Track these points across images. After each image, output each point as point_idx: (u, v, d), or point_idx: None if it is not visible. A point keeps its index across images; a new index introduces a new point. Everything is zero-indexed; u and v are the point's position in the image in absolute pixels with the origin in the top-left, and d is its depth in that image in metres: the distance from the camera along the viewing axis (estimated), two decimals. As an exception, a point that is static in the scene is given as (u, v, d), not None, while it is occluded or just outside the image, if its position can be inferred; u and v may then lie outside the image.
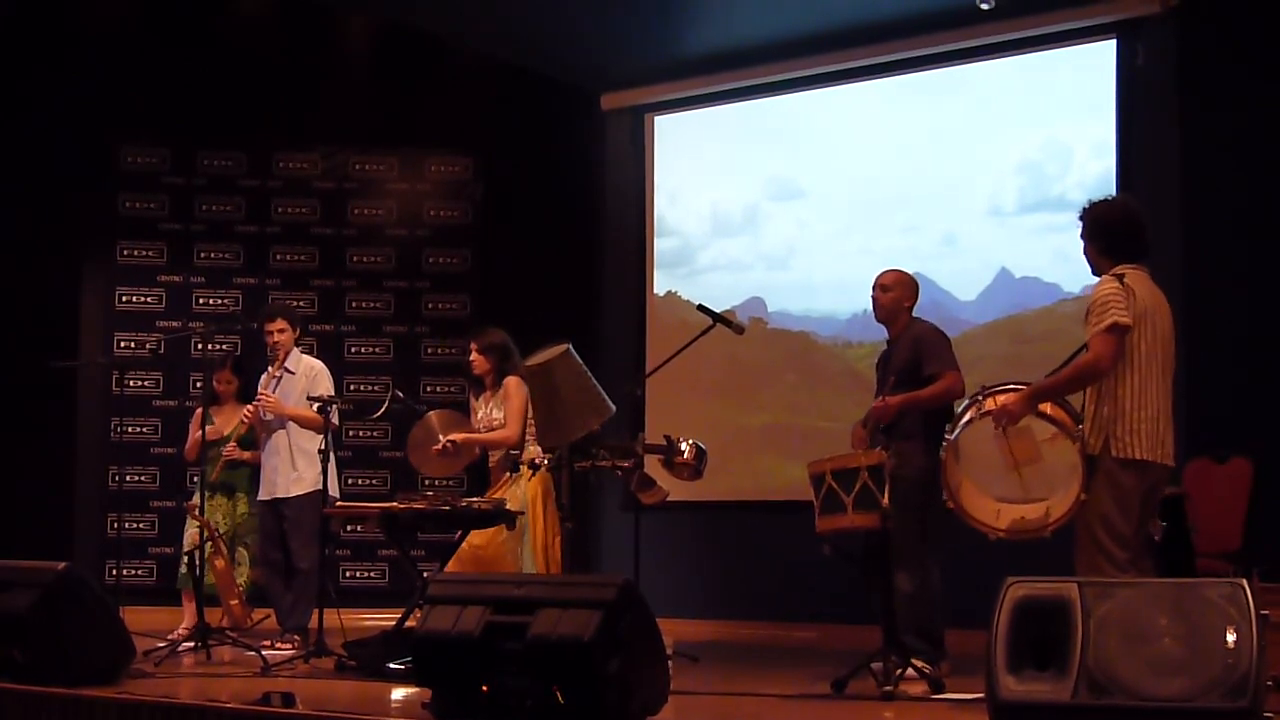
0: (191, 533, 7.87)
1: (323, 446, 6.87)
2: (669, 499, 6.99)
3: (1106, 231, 5.29)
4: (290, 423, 7.49)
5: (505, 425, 7.00)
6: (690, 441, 6.81)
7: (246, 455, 7.93)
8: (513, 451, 6.99)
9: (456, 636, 4.40)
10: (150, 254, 9.82)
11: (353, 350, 9.84)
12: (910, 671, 5.60)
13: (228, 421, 8.03)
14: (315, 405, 7.01)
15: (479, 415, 7.19)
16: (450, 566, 6.64)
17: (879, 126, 9.01)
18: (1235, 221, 7.55)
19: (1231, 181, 7.60)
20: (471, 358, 7.18)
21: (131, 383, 9.23)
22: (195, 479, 8.08)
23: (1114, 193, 7.82)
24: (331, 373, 7.79)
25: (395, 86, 9.81)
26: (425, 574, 6.38)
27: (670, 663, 4.97)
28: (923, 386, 6.21)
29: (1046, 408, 5.22)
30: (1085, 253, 5.38)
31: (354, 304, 9.96)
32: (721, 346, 7.66)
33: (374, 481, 9.68)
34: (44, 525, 9.02)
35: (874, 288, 6.50)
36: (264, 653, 6.46)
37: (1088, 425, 5.14)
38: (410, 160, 10.13)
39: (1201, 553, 6.03)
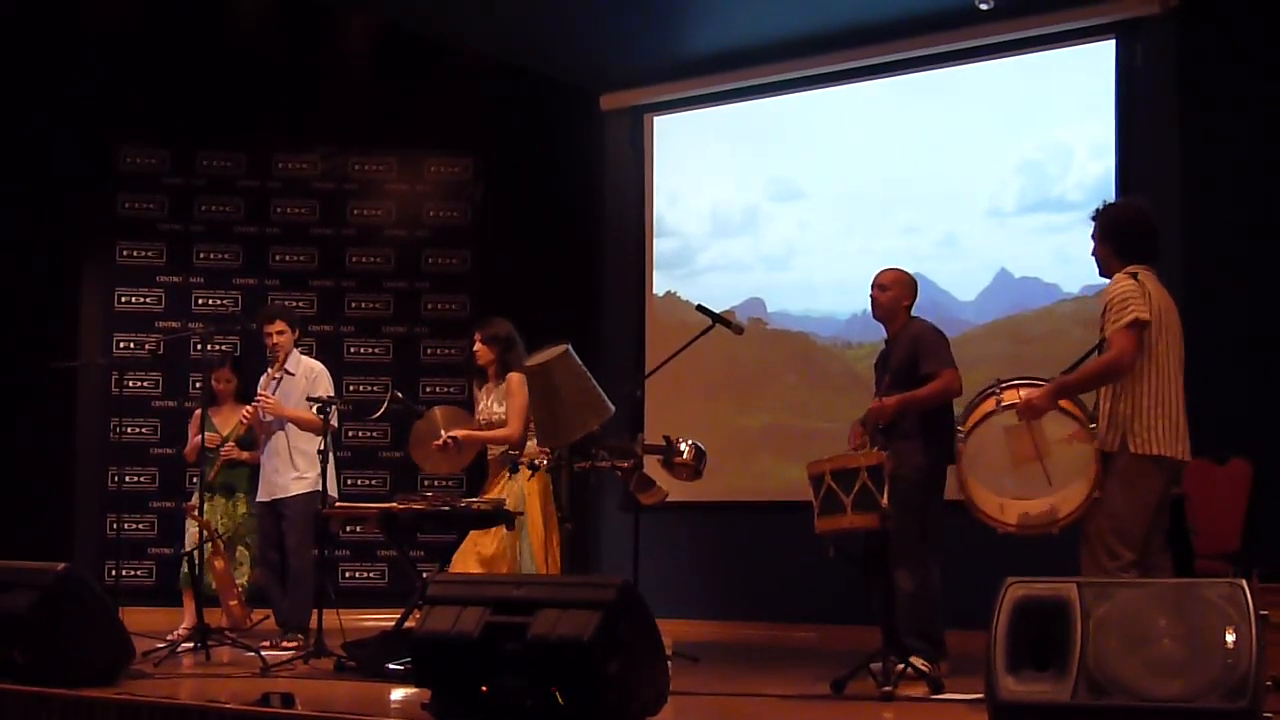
0: (192, 533, 7.87)
1: (322, 447, 6.87)
2: (668, 499, 6.99)
3: (1120, 233, 5.33)
4: (289, 424, 7.49)
5: (507, 422, 6.99)
6: (689, 442, 6.81)
7: (245, 455, 7.93)
8: (512, 451, 6.99)
9: (456, 637, 4.40)
10: (150, 254, 9.82)
11: (352, 351, 9.84)
12: (910, 672, 5.60)
13: (226, 422, 8.04)
14: (314, 407, 7.01)
15: (480, 406, 7.18)
16: (455, 566, 6.65)
17: (879, 126, 9.01)
18: (1235, 221, 7.55)
19: (1231, 181, 7.60)
20: (475, 348, 7.16)
21: (131, 383, 9.22)
22: (194, 479, 8.08)
23: (1113, 192, 7.86)
24: (331, 373, 7.80)
25: (395, 87, 9.80)
26: (424, 574, 6.38)
27: (670, 663, 4.97)
28: (920, 385, 6.21)
29: (1065, 404, 5.25)
30: (1096, 254, 5.40)
31: (353, 305, 9.96)
32: (721, 347, 7.66)
33: (373, 482, 9.67)
34: (43, 526, 9.02)
35: (872, 287, 6.50)
36: (263, 653, 6.46)
37: (1104, 423, 5.15)
38: (410, 161, 10.13)
39: (1201, 554, 6.03)
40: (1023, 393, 5.31)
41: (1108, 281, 5.30)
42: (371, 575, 9.73)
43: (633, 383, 8.40)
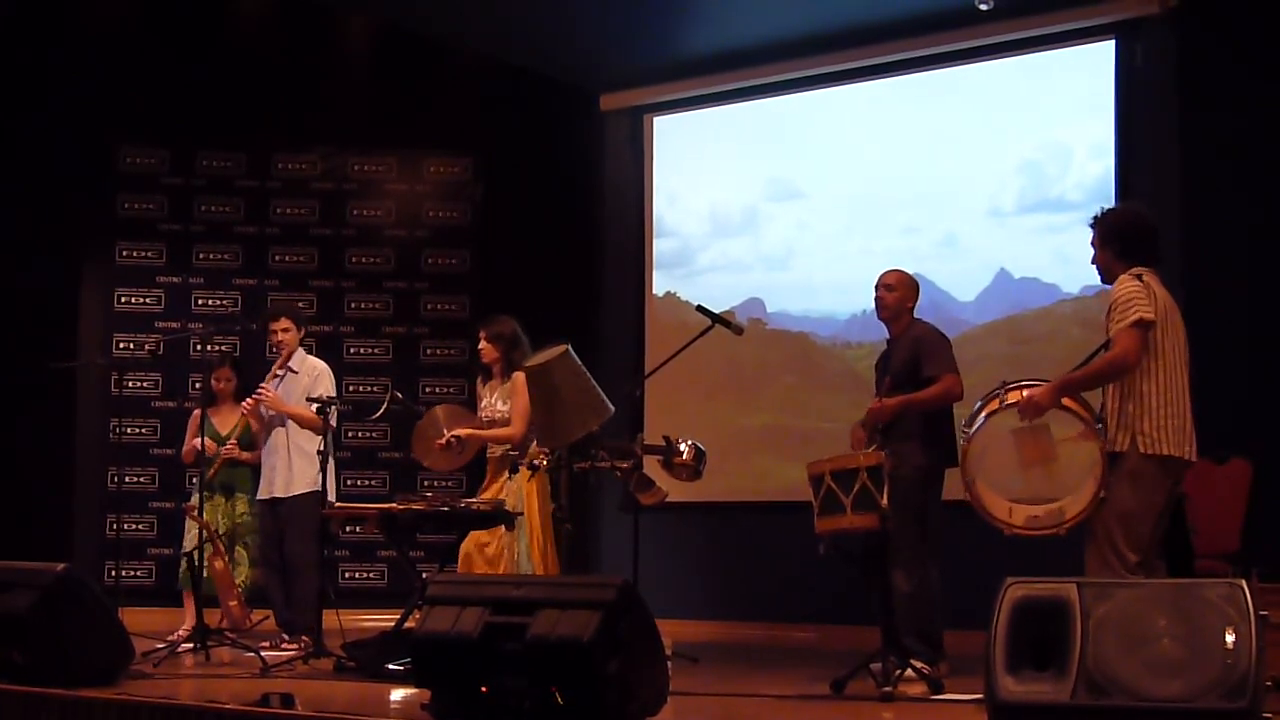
0: (192, 534, 7.86)
1: (321, 447, 6.86)
2: (668, 500, 6.98)
3: (1120, 237, 5.33)
4: (290, 422, 7.49)
5: (510, 421, 6.99)
6: (689, 442, 6.81)
7: (246, 456, 7.93)
8: (512, 451, 6.99)
9: (455, 637, 4.40)
10: (149, 255, 9.82)
11: (352, 351, 9.84)
12: (909, 672, 5.60)
13: (225, 422, 8.03)
14: (314, 406, 7.01)
15: (483, 404, 7.18)
16: (461, 566, 6.66)
17: (879, 127, 9.01)
18: (1235, 221, 7.55)
19: (1231, 181, 7.60)
20: (480, 346, 7.16)
21: (130, 383, 9.22)
22: (194, 480, 8.08)
23: (1113, 193, 7.86)
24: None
25: (395, 87, 9.80)
26: (424, 575, 6.37)
27: (669, 663, 4.96)
28: (921, 388, 6.21)
29: (1069, 404, 5.24)
30: (1096, 260, 5.40)
31: (353, 305, 9.96)
32: (721, 347, 7.66)
33: (373, 482, 9.67)
34: (43, 526, 9.02)
35: (878, 287, 6.49)
36: (263, 654, 6.45)
37: (1111, 423, 5.16)
38: (409, 161, 10.13)
39: (1200, 554, 6.03)
40: (1025, 392, 5.31)
41: (1116, 282, 5.29)
42: (371, 576, 9.73)
43: (632, 383, 8.40)
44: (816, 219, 9.27)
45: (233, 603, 7.63)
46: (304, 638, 7.03)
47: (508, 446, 6.99)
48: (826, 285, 9.10)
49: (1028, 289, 8.41)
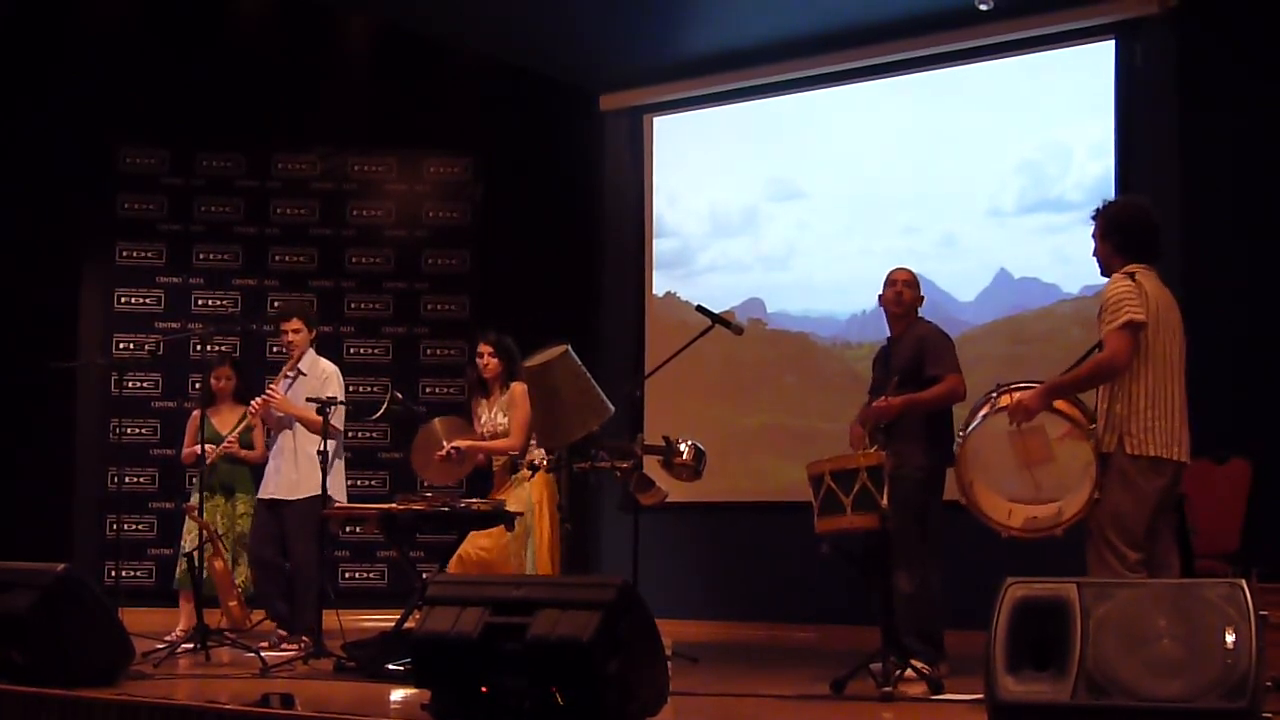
0: (191, 534, 7.86)
1: (322, 448, 6.86)
2: (668, 500, 6.98)
3: (1120, 230, 5.31)
4: (298, 424, 7.47)
5: (510, 433, 6.99)
6: (689, 442, 6.80)
7: (244, 453, 7.93)
8: (511, 455, 6.99)
9: (455, 637, 4.39)
10: (149, 255, 9.82)
11: (352, 351, 9.84)
12: (909, 672, 5.60)
13: (225, 422, 8.03)
14: (315, 407, 7.00)
15: (483, 420, 7.17)
16: (452, 568, 6.64)
17: (879, 127, 9.01)
18: (1235, 221, 7.56)
19: (1231, 181, 7.60)
20: (484, 360, 7.14)
21: (130, 384, 9.23)
22: (194, 480, 8.07)
23: (1113, 193, 7.85)
24: (331, 374, 7.78)
25: (395, 87, 9.81)
26: (424, 575, 6.37)
27: (669, 663, 4.97)
28: (924, 387, 6.21)
29: (1062, 405, 5.23)
30: (1097, 252, 5.39)
31: (353, 305, 9.96)
32: (720, 347, 7.66)
33: (373, 483, 9.67)
34: (43, 526, 9.02)
35: (895, 283, 6.45)
36: (263, 654, 6.45)
37: (1101, 424, 5.14)
38: (409, 161, 10.13)
39: (1200, 554, 6.03)
40: (1015, 395, 5.29)
41: (1108, 281, 5.29)
42: (371, 576, 9.73)
43: (632, 383, 8.40)
44: (816, 219, 9.27)
45: (233, 603, 7.62)
46: (304, 638, 7.03)
47: (509, 457, 7.00)
48: (826, 285, 9.10)
49: (1028, 289, 8.41)
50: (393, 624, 6.53)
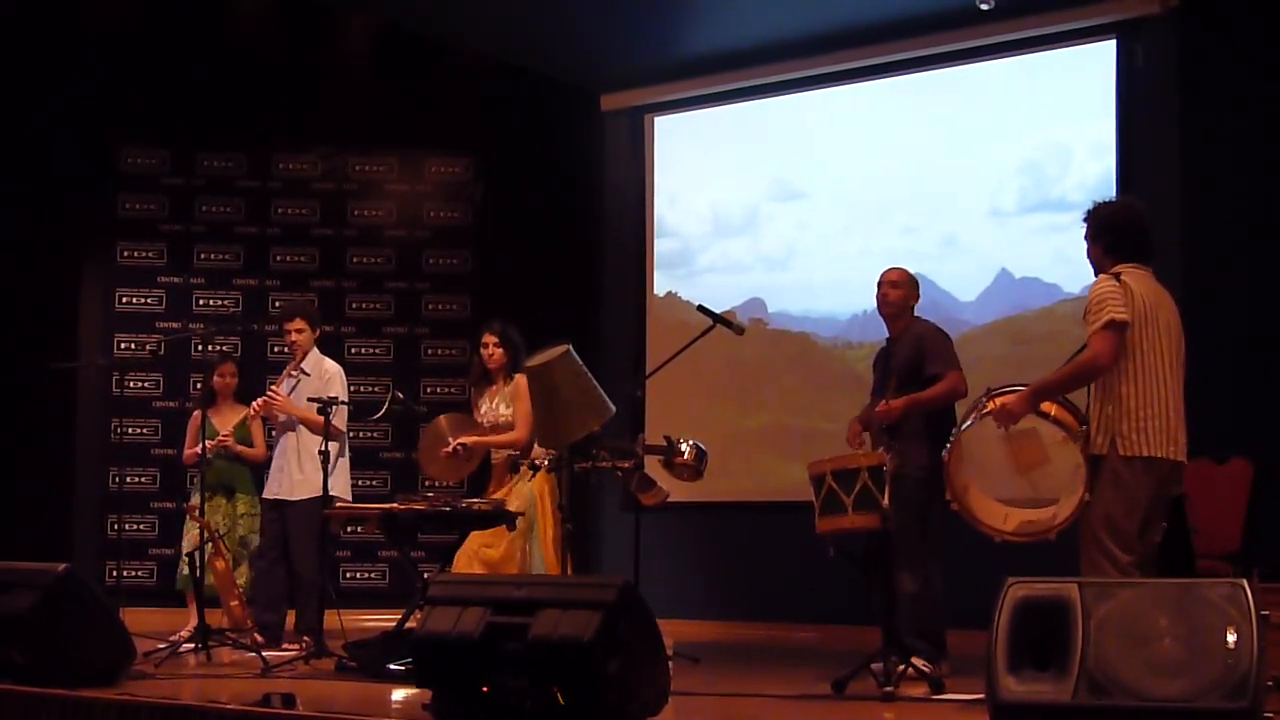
0: (192, 534, 7.86)
1: (323, 448, 6.86)
2: (669, 500, 6.99)
3: (1109, 230, 5.29)
4: (301, 425, 7.47)
5: (515, 426, 6.98)
6: (690, 442, 6.81)
7: (240, 449, 7.92)
8: (513, 453, 6.98)
9: (457, 637, 4.40)
10: (150, 255, 9.83)
11: (353, 351, 9.84)
12: (911, 672, 5.60)
13: (226, 422, 8.01)
14: (315, 407, 7.00)
15: (483, 410, 7.15)
16: (458, 567, 6.65)
17: (879, 127, 9.01)
18: (1235, 221, 7.56)
19: (1231, 181, 7.60)
20: (489, 351, 7.11)
21: (131, 384, 9.24)
22: (194, 479, 8.07)
23: (1114, 193, 7.84)
24: (332, 374, 7.78)
25: (395, 87, 9.81)
26: (425, 575, 6.37)
27: (670, 663, 4.97)
28: (924, 386, 6.21)
29: (1051, 409, 5.20)
30: (1089, 254, 5.38)
31: (354, 305, 9.96)
32: (721, 347, 7.66)
33: (374, 483, 9.67)
34: (44, 526, 9.02)
35: (883, 284, 6.48)
36: (264, 654, 6.45)
37: (1093, 425, 5.12)
38: (410, 161, 10.13)
39: (1201, 554, 6.02)
40: (999, 400, 5.28)
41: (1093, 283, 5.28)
42: (372, 576, 9.74)
43: (633, 383, 8.40)
44: (817, 219, 9.27)
45: (234, 603, 7.61)
46: (305, 638, 7.04)
47: (512, 451, 6.99)
48: (827, 285, 9.11)
49: (1028, 289, 8.41)
50: (394, 624, 6.53)
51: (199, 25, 9.61)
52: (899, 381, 6.18)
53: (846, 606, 7.49)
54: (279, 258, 9.93)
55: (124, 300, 9.77)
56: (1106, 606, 4.11)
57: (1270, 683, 4.27)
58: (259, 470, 7.87)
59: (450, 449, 7.06)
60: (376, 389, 9.39)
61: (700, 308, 6.77)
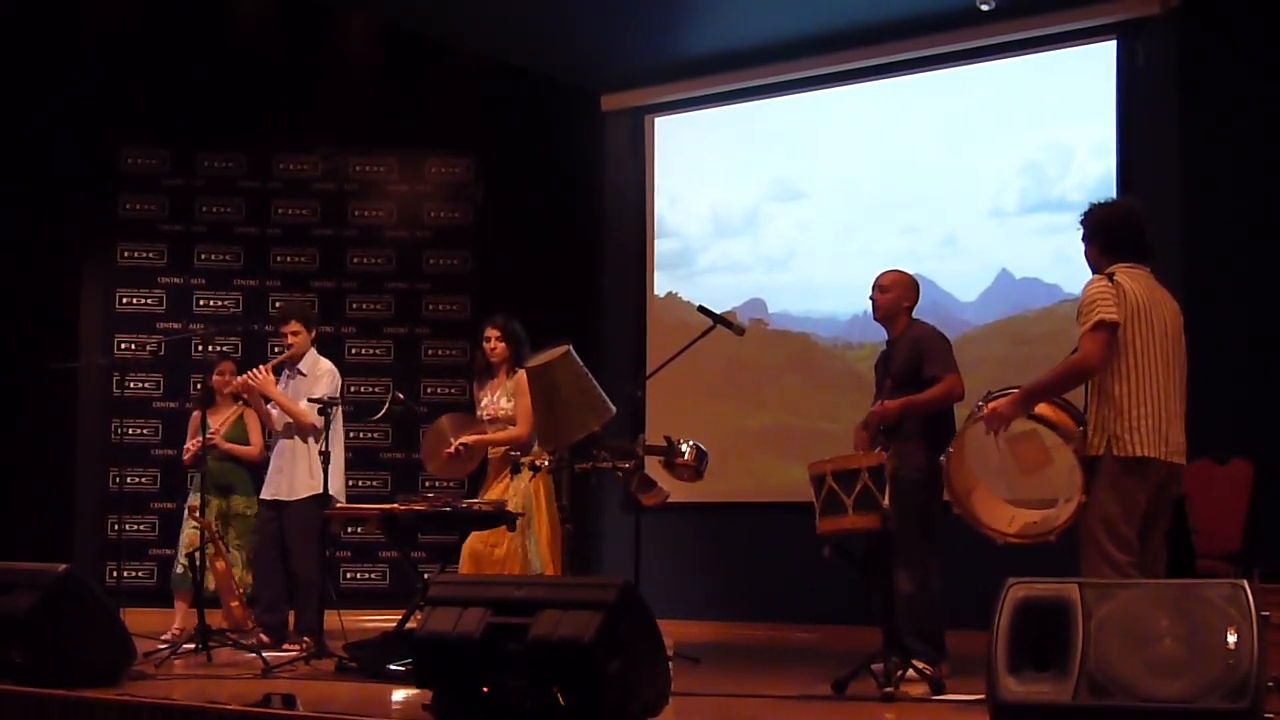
0: (190, 534, 7.85)
1: (323, 448, 6.86)
2: (669, 500, 6.98)
3: (1104, 231, 5.28)
4: (292, 424, 7.46)
5: (516, 422, 6.98)
6: (691, 443, 6.80)
7: (234, 448, 7.92)
8: (513, 452, 6.98)
9: (457, 638, 4.40)
10: (150, 255, 9.83)
11: (353, 352, 9.84)
12: (911, 672, 5.60)
13: (226, 422, 8.01)
14: (315, 407, 7.00)
15: (484, 403, 7.15)
16: (463, 568, 6.66)
17: (879, 127, 9.01)
18: (1235, 221, 7.56)
19: (1231, 181, 7.60)
20: (491, 344, 7.11)
21: (132, 384, 9.24)
22: (193, 479, 8.07)
23: (1114, 193, 7.85)
24: (332, 375, 7.77)
25: (395, 87, 9.81)
26: (426, 575, 6.37)
27: (671, 664, 4.96)
28: (922, 389, 6.21)
29: (1047, 411, 5.18)
30: (1085, 255, 5.37)
31: (354, 305, 9.96)
32: (722, 348, 7.66)
33: (374, 483, 9.67)
34: (44, 527, 9.02)
35: (873, 288, 6.50)
36: (264, 654, 6.45)
37: (1090, 427, 5.11)
38: (410, 161, 10.13)
39: (1202, 554, 6.03)
40: (990, 404, 5.27)
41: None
42: (373, 576, 9.73)
43: (633, 383, 8.40)
44: (817, 219, 9.27)
45: (234, 603, 7.62)
46: (305, 638, 7.03)
47: (513, 449, 6.99)
48: (827, 286, 9.11)
49: (1029, 289, 8.41)
50: (394, 624, 6.53)
51: (199, 25, 9.61)
52: (896, 383, 6.19)
53: (846, 607, 7.49)
54: (279, 258, 9.93)
55: (124, 301, 9.77)
56: (1107, 607, 4.11)
57: (1271, 683, 4.27)
58: (257, 470, 7.86)
59: (453, 449, 7.06)
60: (377, 389, 9.41)
61: (700, 308, 6.77)
